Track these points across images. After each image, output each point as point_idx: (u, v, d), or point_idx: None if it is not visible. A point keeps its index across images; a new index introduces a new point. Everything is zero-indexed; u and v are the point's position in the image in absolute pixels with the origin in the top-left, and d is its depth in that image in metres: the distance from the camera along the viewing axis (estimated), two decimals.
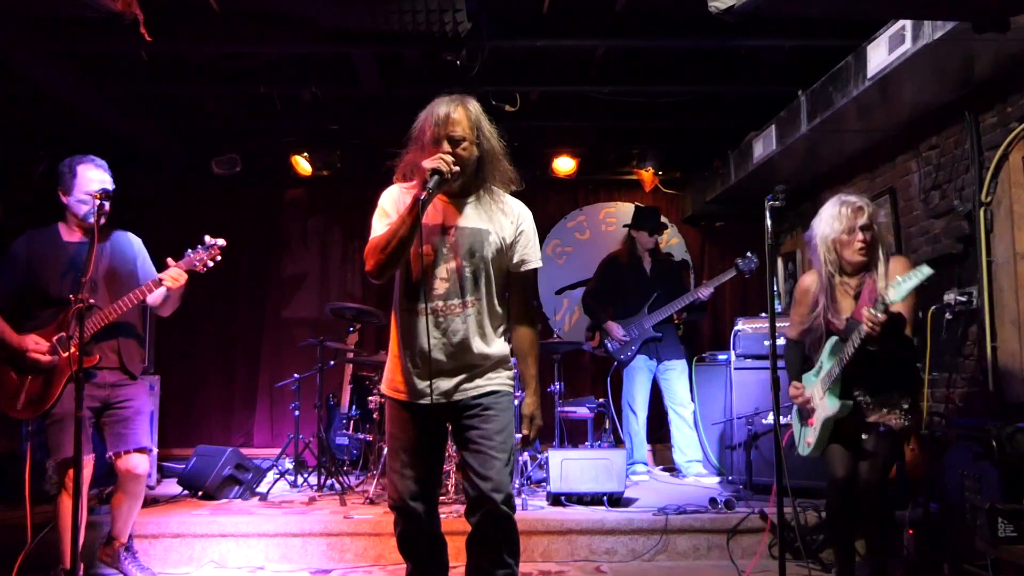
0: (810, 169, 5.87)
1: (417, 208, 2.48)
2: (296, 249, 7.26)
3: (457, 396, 2.64)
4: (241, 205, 7.16)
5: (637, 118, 6.02)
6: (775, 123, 5.42)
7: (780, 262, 6.90)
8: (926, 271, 2.94)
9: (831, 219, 3.28)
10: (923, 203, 4.82)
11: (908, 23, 3.82)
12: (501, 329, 2.72)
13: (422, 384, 2.62)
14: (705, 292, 5.65)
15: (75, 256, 3.49)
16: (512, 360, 2.78)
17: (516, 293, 2.76)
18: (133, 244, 3.77)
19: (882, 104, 4.51)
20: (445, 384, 2.63)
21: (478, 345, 2.64)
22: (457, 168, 2.54)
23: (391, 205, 2.69)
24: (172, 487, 5.24)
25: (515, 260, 2.71)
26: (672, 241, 7.27)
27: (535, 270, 2.76)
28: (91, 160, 3.57)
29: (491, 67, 4.84)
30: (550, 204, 7.30)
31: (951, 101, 4.43)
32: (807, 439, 3.43)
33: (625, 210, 7.31)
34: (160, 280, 3.49)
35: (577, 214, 7.36)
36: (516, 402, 3.62)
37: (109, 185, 3.51)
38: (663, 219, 6.43)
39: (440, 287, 2.61)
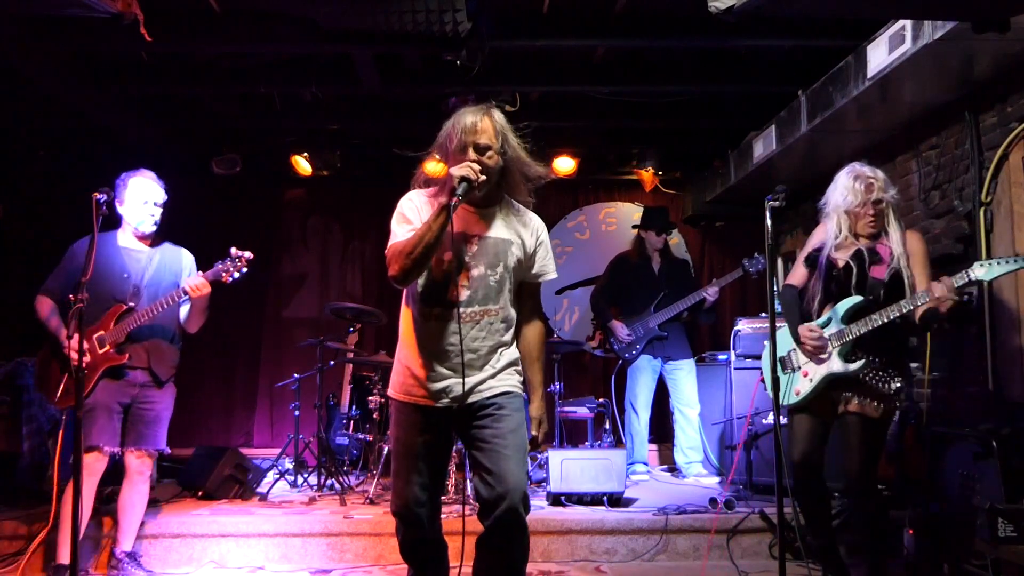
0: (810, 169, 5.86)
1: (445, 214, 2.50)
2: (296, 249, 7.26)
3: (472, 398, 2.66)
4: (241, 205, 7.16)
5: (637, 118, 6.02)
6: (775, 123, 5.42)
7: (780, 262, 6.90)
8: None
9: (845, 191, 3.37)
10: (923, 203, 4.82)
11: (908, 23, 3.82)
12: (512, 334, 2.78)
13: (437, 387, 2.64)
14: (712, 291, 5.63)
15: (126, 260, 3.76)
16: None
17: (529, 300, 2.84)
18: (182, 259, 3.98)
19: (882, 104, 4.51)
20: (461, 387, 2.63)
21: (494, 351, 2.69)
22: (484, 176, 2.58)
23: (412, 211, 2.69)
24: (172, 487, 5.24)
25: (534, 271, 2.79)
26: (672, 241, 7.25)
27: (548, 280, 2.86)
28: (141, 172, 3.83)
29: (491, 67, 4.84)
30: (550, 204, 7.29)
31: (951, 101, 4.43)
32: (796, 388, 3.40)
33: (625, 210, 7.32)
34: (184, 290, 3.67)
35: (577, 214, 7.36)
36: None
37: (157, 195, 3.82)
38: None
39: (462, 294, 2.64)
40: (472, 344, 2.65)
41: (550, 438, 5.74)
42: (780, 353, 3.47)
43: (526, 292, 2.82)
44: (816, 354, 3.35)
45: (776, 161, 5.56)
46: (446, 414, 2.65)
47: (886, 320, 3.20)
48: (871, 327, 3.22)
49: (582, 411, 5.65)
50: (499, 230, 2.72)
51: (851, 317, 3.31)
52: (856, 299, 3.31)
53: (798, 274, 3.58)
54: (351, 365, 6.20)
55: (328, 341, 5.49)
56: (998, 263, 3.01)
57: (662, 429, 6.48)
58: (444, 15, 4.07)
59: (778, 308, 3.41)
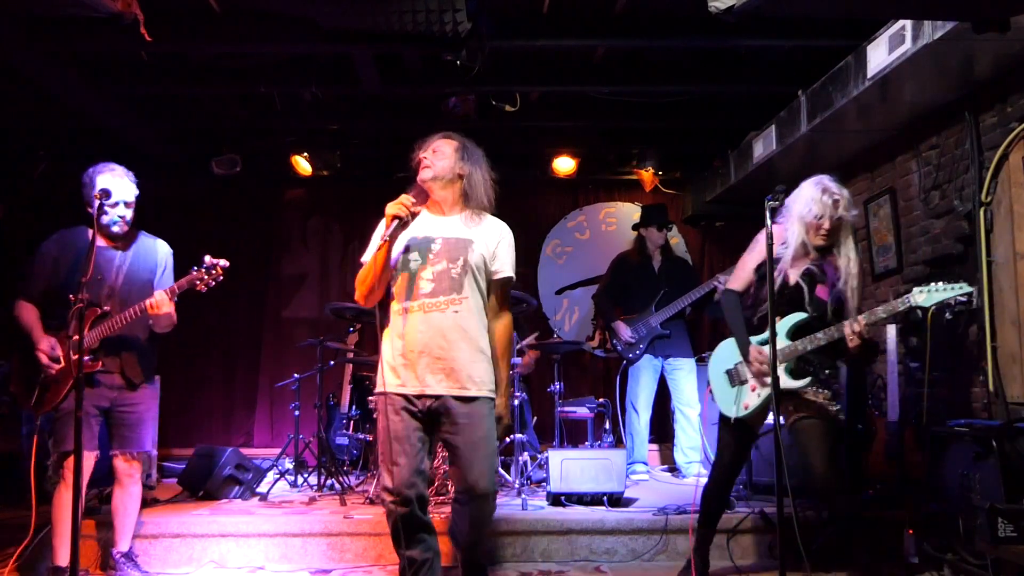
0: (810, 169, 5.77)
1: (383, 250, 2.92)
2: (296, 249, 7.26)
3: (444, 392, 2.91)
4: (241, 205, 7.16)
5: (637, 118, 6.02)
6: (775, 123, 5.42)
7: None
8: (966, 289, 3.05)
9: (810, 202, 3.39)
10: (923, 203, 4.82)
11: (908, 23, 3.82)
12: (483, 328, 3.01)
13: (409, 375, 2.92)
14: (724, 279, 5.57)
15: (100, 262, 3.55)
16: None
17: (495, 295, 3.09)
18: (157, 252, 3.80)
19: (882, 104, 4.51)
20: (433, 377, 2.91)
21: (461, 340, 2.93)
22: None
23: (376, 240, 3.02)
24: (172, 487, 5.24)
25: (492, 268, 3.05)
26: (673, 241, 7.26)
27: (510, 279, 3.11)
28: (110, 169, 3.61)
29: (491, 67, 4.84)
30: (550, 204, 7.30)
31: (951, 101, 4.43)
32: (745, 402, 3.42)
33: (625, 210, 7.32)
34: (147, 304, 3.49)
35: (577, 214, 7.36)
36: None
37: (128, 193, 3.61)
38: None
39: (426, 287, 2.94)
40: (440, 332, 2.90)
41: (549, 438, 5.75)
42: (727, 365, 3.51)
43: (491, 287, 3.07)
44: (761, 377, 3.37)
45: (776, 161, 5.56)
46: (426, 402, 2.91)
47: (829, 340, 3.23)
48: (815, 345, 3.26)
49: (582, 411, 5.65)
50: (461, 231, 3.02)
51: (795, 333, 3.33)
52: (800, 315, 3.34)
53: (742, 279, 3.54)
54: (351, 365, 6.20)
55: (328, 341, 5.49)
56: (936, 289, 3.05)
57: (662, 429, 6.48)
58: (444, 15, 4.07)
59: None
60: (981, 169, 4.26)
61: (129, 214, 3.64)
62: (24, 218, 6.31)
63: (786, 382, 3.30)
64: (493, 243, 3.04)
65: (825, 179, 3.45)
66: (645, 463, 5.90)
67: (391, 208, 2.89)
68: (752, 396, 3.40)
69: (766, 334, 3.35)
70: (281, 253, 7.26)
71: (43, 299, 3.60)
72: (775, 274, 3.38)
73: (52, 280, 3.58)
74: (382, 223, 2.97)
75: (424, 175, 3.01)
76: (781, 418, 3.37)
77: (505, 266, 3.06)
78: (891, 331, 4.30)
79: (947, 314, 4.44)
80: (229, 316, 7.08)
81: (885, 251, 5.26)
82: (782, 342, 3.33)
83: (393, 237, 2.92)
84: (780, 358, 3.31)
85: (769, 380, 3.27)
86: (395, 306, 2.99)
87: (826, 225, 3.36)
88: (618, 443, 5.76)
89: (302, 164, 6.66)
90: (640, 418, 5.81)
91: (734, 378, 3.48)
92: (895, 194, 5.14)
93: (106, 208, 3.54)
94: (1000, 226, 4.16)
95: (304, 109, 6.00)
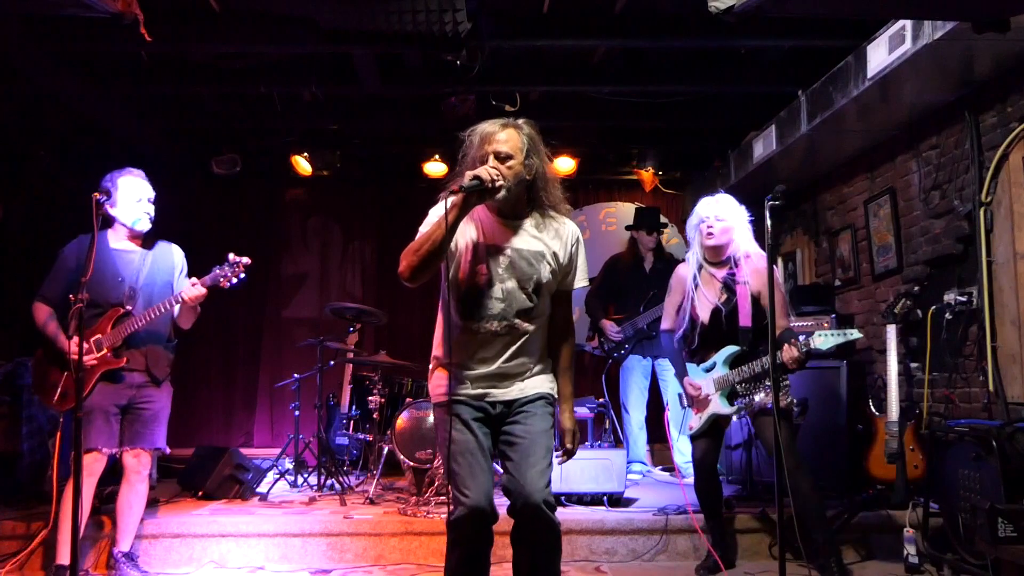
0: (810, 169, 5.87)
1: (455, 211, 2.48)
2: (296, 249, 7.26)
3: (507, 397, 2.67)
4: (241, 205, 7.17)
5: (637, 118, 6.02)
6: (775, 123, 5.42)
7: (780, 262, 6.90)
8: (856, 335, 3.47)
9: (694, 216, 3.76)
10: (923, 203, 4.82)
11: (908, 23, 3.82)
12: (545, 342, 2.77)
13: (478, 391, 2.66)
14: None
15: (118, 262, 3.73)
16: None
17: (560, 310, 2.81)
18: (174, 256, 3.95)
19: (882, 104, 4.51)
20: (497, 393, 2.66)
21: (527, 361, 2.68)
22: (500, 181, 2.54)
23: (435, 215, 2.59)
24: (172, 487, 5.24)
25: (565, 281, 2.77)
26: (672, 241, 7.25)
27: (582, 288, 2.86)
28: (129, 172, 3.78)
29: (491, 67, 4.84)
30: None
31: (951, 101, 4.43)
32: (691, 423, 3.82)
33: (625, 210, 7.32)
34: (179, 297, 3.67)
35: (577, 214, 7.36)
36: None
37: (151, 191, 3.80)
38: (663, 218, 6.42)
39: (496, 307, 2.63)
40: (509, 356, 2.65)
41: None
42: (679, 389, 3.88)
43: (559, 300, 2.80)
44: (695, 403, 3.78)
45: (776, 161, 5.56)
46: (490, 410, 2.66)
47: (758, 371, 3.56)
48: (742, 377, 3.61)
49: (582, 411, 5.64)
50: (529, 242, 2.68)
51: (732, 363, 3.67)
52: (734, 349, 3.66)
53: (671, 317, 3.89)
54: (351, 365, 6.20)
55: (328, 341, 5.49)
56: (832, 335, 3.40)
57: (660, 430, 6.47)
58: (444, 15, 4.08)
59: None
60: (981, 169, 4.26)
61: (152, 211, 3.81)
62: (24, 218, 6.30)
63: (721, 407, 3.68)
64: (566, 253, 2.73)
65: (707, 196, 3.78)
66: (643, 462, 5.91)
67: (473, 170, 2.53)
68: (695, 419, 3.78)
69: (709, 362, 3.75)
70: (281, 253, 7.26)
71: (63, 302, 3.65)
72: (683, 313, 3.77)
73: (73, 283, 3.62)
74: (437, 208, 2.55)
75: (501, 197, 2.58)
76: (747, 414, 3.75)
77: (580, 279, 2.79)
78: (891, 331, 4.29)
79: (947, 314, 4.44)
80: (229, 316, 7.08)
81: (885, 251, 5.26)
82: (721, 370, 3.68)
83: (469, 200, 2.51)
84: (716, 387, 3.69)
85: (708, 408, 3.72)
86: (458, 321, 2.66)
87: (705, 228, 3.65)
88: (617, 443, 5.75)
89: (302, 164, 6.66)
90: (632, 418, 5.84)
91: (683, 402, 3.86)
92: (895, 194, 5.13)
93: (131, 206, 3.72)
94: (1000, 226, 4.15)
95: (304, 109, 6.00)
